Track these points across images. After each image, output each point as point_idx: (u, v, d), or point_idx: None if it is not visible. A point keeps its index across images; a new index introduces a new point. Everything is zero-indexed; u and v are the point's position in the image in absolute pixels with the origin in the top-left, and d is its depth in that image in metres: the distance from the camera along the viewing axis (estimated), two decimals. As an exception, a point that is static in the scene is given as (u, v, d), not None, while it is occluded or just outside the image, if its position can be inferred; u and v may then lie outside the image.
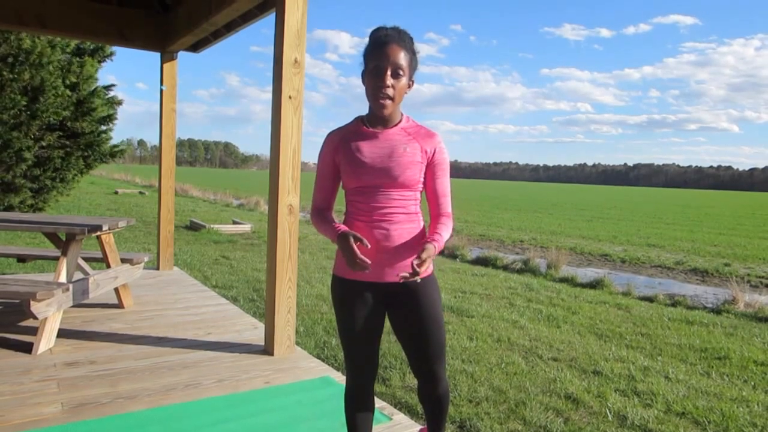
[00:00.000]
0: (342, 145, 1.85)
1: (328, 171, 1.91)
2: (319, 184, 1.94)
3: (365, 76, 1.77)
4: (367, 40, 1.81)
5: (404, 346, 1.95)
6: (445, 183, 1.90)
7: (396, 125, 1.85)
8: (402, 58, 1.73)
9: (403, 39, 1.76)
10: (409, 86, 1.81)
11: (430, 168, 1.86)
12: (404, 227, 1.82)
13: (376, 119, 1.83)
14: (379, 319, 1.90)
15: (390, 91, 1.73)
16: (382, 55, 1.72)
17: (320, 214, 1.92)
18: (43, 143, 9.75)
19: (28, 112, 9.20)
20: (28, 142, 9.22)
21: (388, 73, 1.72)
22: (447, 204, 1.90)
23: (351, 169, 1.81)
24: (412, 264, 1.63)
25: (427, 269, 1.81)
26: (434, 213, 1.91)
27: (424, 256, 1.67)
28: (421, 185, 1.87)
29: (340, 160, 1.85)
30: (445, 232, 1.84)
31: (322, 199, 1.94)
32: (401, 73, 1.74)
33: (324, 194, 1.93)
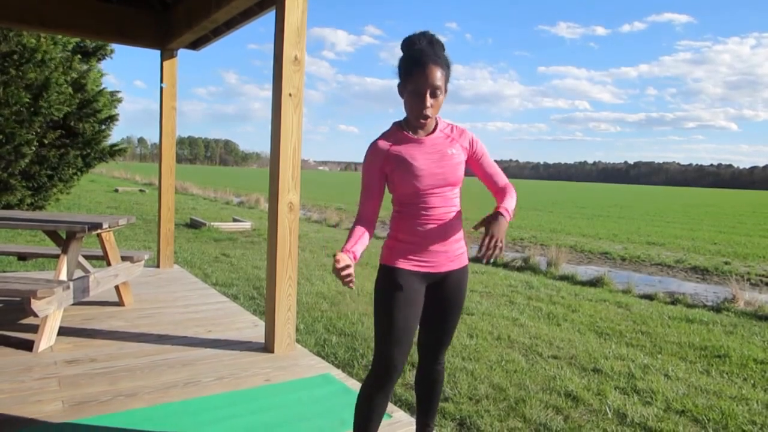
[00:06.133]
0: (391, 154, 1.90)
1: (377, 181, 1.93)
2: (368, 195, 1.94)
3: (405, 95, 1.85)
4: (399, 52, 1.86)
5: (424, 327, 2.06)
6: (491, 162, 2.05)
7: (435, 129, 1.96)
8: (439, 78, 1.79)
9: (438, 55, 1.81)
10: (444, 96, 1.89)
11: (474, 157, 2.00)
12: (455, 222, 1.96)
13: (416, 127, 1.92)
14: (420, 309, 1.97)
15: (429, 111, 1.83)
16: (421, 79, 1.78)
17: (364, 227, 1.90)
18: (45, 141, 9.75)
19: (32, 109, 9.20)
20: (28, 136, 9.21)
21: (428, 95, 1.80)
22: (502, 177, 2.04)
23: (406, 176, 1.87)
24: (487, 243, 1.74)
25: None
26: (495, 189, 2.04)
27: (495, 232, 1.75)
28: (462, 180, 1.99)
29: (390, 169, 1.90)
30: (511, 200, 1.95)
31: (371, 210, 1.93)
32: (439, 92, 1.82)
33: (373, 205, 1.94)
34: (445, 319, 2.03)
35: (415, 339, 2.07)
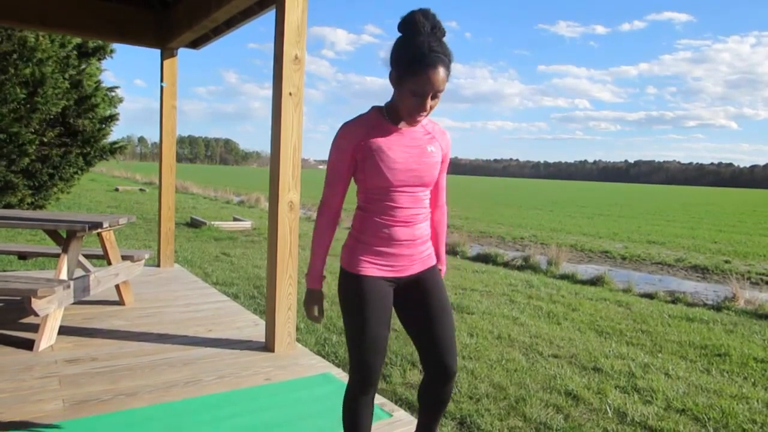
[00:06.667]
0: (366, 140, 1.72)
1: (347, 169, 1.77)
2: (335, 185, 1.79)
3: (402, 92, 1.67)
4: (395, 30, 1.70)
5: (417, 338, 1.90)
6: (445, 176, 1.98)
7: None
8: (443, 80, 1.64)
9: (445, 52, 1.63)
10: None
11: (440, 164, 1.90)
12: (425, 224, 1.86)
13: (398, 114, 1.76)
14: (390, 312, 1.87)
15: (426, 112, 1.70)
16: (425, 81, 1.61)
17: (330, 221, 1.81)
18: (44, 139, 9.77)
19: (28, 105, 9.22)
20: (30, 135, 9.24)
21: (429, 97, 1.66)
22: (444, 194, 2.03)
23: (379, 167, 1.71)
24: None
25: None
26: (433, 204, 1.98)
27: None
28: None
29: (362, 157, 1.73)
30: (444, 245, 2.08)
31: (338, 205, 1.82)
32: (440, 93, 1.68)
33: (340, 198, 1.81)
34: (440, 325, 1.85)
35: (401, 361, 2.02)
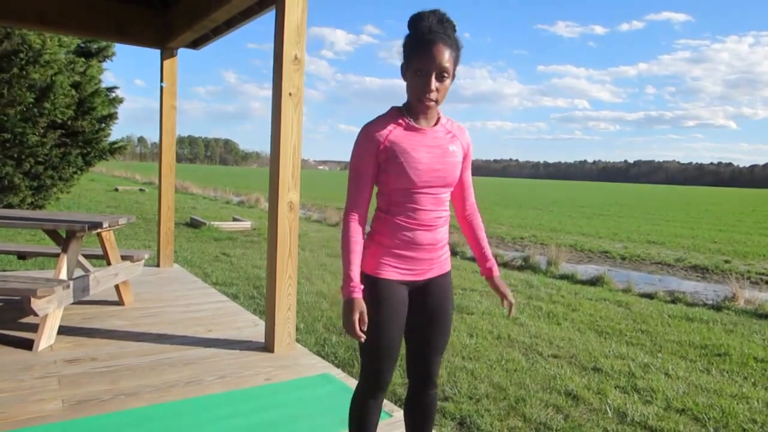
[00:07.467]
0: (389, 141, 1.70)
1: (372, 168, 1.73)
2: (360, 182, 1.74)
3: (408, 75, 1.69)
4: (406, 29, 1.71)
5: (412, 338, 1.89)
6: (470, 171, 1.95)
7: (437, 122, 1.80)
8: (447, 59, 1.63)
9: (449, 35, 1.65)
10: (451, 80, 1.73)
11: (463, 162, 1.87)
12: (445, 228, 1.83)
13: (418, 115, 1.75)
14: (405, 316, 1.84)
15: (434, 95, 1.67)
16: (428, 58, 1.62)
17: (360, 223, 1.74)
18: (45, 140, 9.78)
19: (35, 110, 9.22)
20: (36, 138, 9.25)
21: (433, 77, 1.64)
22: (473, 192, 1.99)
23: (404, 169, 1.69)
24: (510, 306, 1.89)
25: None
26: (462, 204, 1.97)
27: (508, 294, 1.90)
28: None
29: (385, 158, 1.71)
30: (487, 244, 2.00)
31: (366, 206, 1.76)
32: (446, 75, 1.66)
33: (366, 194, 1.75)
34: (435, 332, 1.86)
35: (403, 362, 1.90)
